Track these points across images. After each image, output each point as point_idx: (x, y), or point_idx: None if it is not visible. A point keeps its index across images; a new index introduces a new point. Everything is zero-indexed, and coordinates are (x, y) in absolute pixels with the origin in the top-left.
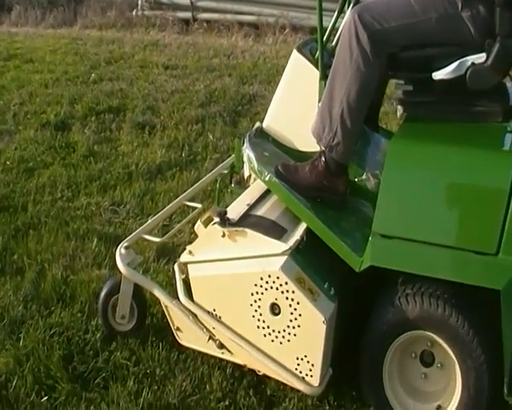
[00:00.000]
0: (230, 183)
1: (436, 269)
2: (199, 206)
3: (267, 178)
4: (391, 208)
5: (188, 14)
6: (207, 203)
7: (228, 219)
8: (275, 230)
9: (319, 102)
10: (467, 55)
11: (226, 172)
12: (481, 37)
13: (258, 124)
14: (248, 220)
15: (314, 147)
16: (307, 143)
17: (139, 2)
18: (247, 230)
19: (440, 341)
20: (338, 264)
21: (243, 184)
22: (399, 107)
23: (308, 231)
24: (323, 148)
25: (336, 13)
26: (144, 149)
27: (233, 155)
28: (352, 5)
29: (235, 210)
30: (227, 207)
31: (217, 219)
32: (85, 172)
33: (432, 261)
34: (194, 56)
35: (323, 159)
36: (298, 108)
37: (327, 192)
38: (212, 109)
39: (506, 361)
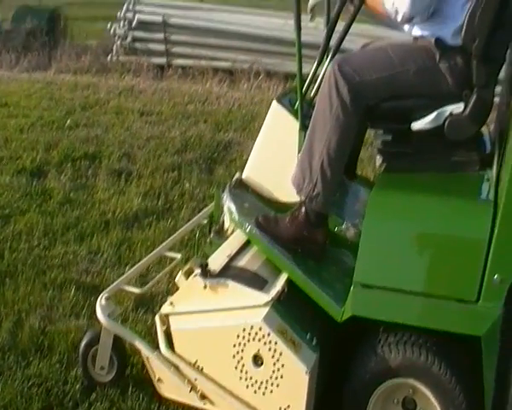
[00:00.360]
0: (209, 233)
1: (418, 318)
2: (178, 256)
3: (248, 230)
4: (372, 259)
5: (162, 60)
6: (186, 253)
7: (209, 270)
8: (256, 281)
9: (299, 152)
10: (445, 106)
11: (205, 221)
12: (459, 88)
13: (237, 175)
14: (229, 272)
15: (294, 198)
16: (287, 193)
17: (114, 48)
18: (228, 281)
19: (423, 388)
20: (319, 314)
21: (222, 235)
22: (378, 157)
23: (289, 282)
24: (303, 198)
25: (316, 64)
26: (121, 197)
27: (211, 205)
28: (330, 56)
29: (216, 261)
30: (207, 258)
31: (198, 271)
32: (62, 220)
33: (413, 310)
34: (170, 102)
35: (304, 210)
36: (277, 158)
37: (307, 243)
38: (188, 157)
39: (487, 407)
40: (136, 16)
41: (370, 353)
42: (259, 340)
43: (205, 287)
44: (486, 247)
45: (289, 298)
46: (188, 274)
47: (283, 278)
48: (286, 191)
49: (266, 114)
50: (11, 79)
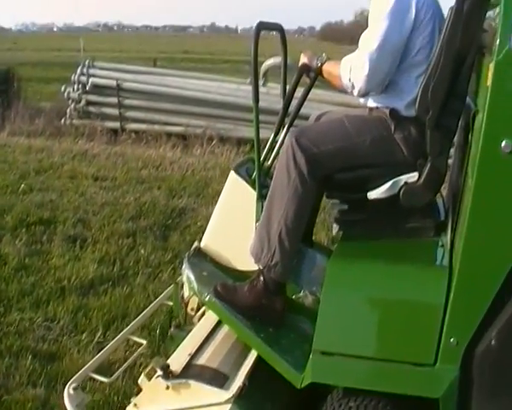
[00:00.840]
0: (170, 327)
1: (377, 382)
2: (143, 342)
3: (207, 299)
4: (331, 326)
5: (116, 124)
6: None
7: (171, 371)
8: (217, 378)
9: (257, 222)
10: (400, 175)
11: (169, 303)
12: (413, 157)
13: (196, 243)
14: (191, 371)
15: (252, 266)
16: (245, 262)
17: (68, 111)
18: (190, 381)
19: None
20: (280, 403)
21: (183, 328)
22: (335, 225)
23: (250, 376)
24: (262, 268)
25: (273, 135)
26: (76, 263)
27: (171, 286)
28: (287, 127)
29: (177, 361)
30: (169, 352)
31: (160, 373)
32: (17, 286)
33: (372, 375)
34: (124, 167)
35: (262, 278)
36: (235, 228)
37: (266, 311)
38: (143, 223)
39: None
40: (90, 80)
41: None
42: None
43: (167, 388)
44: (442, 311)
45: (250, 392)
46: (150, 375)
47: (244, 371)
48: (244, 260)
49: (220, 179)
50: None
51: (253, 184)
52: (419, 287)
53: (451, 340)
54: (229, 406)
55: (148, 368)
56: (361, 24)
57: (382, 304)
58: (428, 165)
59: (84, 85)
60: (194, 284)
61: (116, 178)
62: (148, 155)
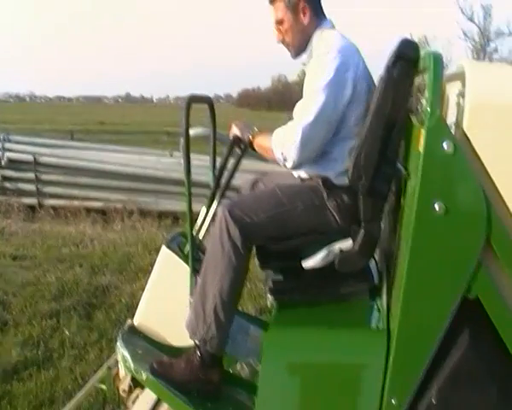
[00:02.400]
0: None
1: None
2: None
3: (143, 377)
4: (271, 396)
5: (34, 201)
6: None
7: None
8: None
9: (190, 296)
10: (333, 241)
11: (101, 386)
12: (346, 223)
13: (129, 321)
14: None
15: (187, 341)
16: (180, 338)
17: None
18: None
19: None
20: None
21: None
22: (269, 295)
23: None
24: (198, 342)
25: (205, 208)
26: None
27: (104, 366)
28: (218, 199)
29: None
30: None
31: None
32: None
33: None
34: (43, 245)
35: (198, 353)
36: (169, 303)
37: (203, 385)
38: (66, 303)
39: None
40: (6, 154)
41: None
42: None
43: None
44: (383, 373)
45: None
46: None
47: None
48: (179, 335)
49: (142, 254)
50: None
51: (185, 259)
52: (358, 350)
53: (392, 401)
54: None
55: None
56: (279, 89)
57: (322, 370)
58: (362, 231)
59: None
60: (130, 363)
61: (36, 256)
62: (67, 231)
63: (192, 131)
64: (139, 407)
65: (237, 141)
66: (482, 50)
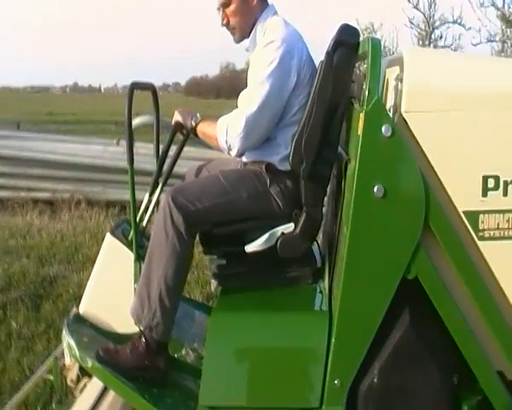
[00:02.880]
0: (51, 402)
1: None
2: None
3: (89, 364)
4: (216, 380)
5: None
6: None
7: None
8: None
9: (135, 283)
10: (276, 226)
11: (50, 376)
12: (289, 208)
13: (74, 309)
14: None
15: (133, 328)
16: (126, 325)
17: None
18: None
19: None
20: None
21: (65, 402)
22: (213, 280)
23: None
24: (143, 328)
25: (148, 195)
26: None
27: (51, 357)
28: (161, 186)
29: None
30: None
31: None
32: None
33: None
34: None
35: (143, 339)
36: (114, 290)
37: (149, 371)
38: (13, 294)
39: None
40: None
41: None
42: None
43: None
44: (325, 355)
45: None
46: None
47: None
48: (125, 322)
49: (89, 244)
50: None
51: (129, 245)
52: (301, 333)
53: (335, 382)
54: None
55: None
56: (227, 76)
57: (265, 353)
58: (303, 215)
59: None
60: (76, 351)
61: None
62: (14, 223)
63: (137, 120)
64: (86, 396)
65: (179, 127)
66: (427, 37)
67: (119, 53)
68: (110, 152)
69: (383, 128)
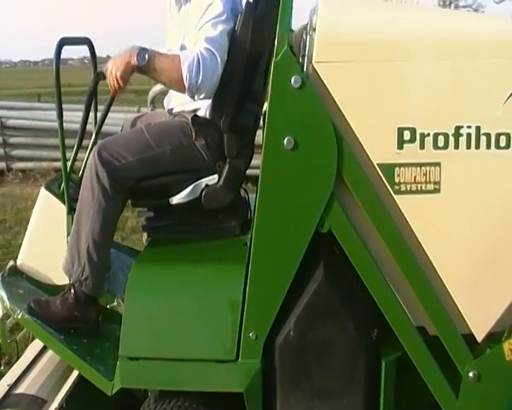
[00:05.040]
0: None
1: (183, 382)
2: None
3: (19, 316)
4: (135, 330)
5: (2, 165)
6: None
7: None
8: (35, 403)
9: (68, 236)
10: (202, 178)
11: None
12: (214, 160)
13: (11, 262)
14: (9, 400)
15: (67, 281)
16: (61, 277)
17: None
18: None
19: None
20: None
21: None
22: (144, 233)
23: (69, 397)
24: (73, 282)
25: (76, 147)
26: None
27: None
28: (92, 139)
29: None
30: None
31: None
32: None
33: (179, 376)
34: (13, 209)
35: (73, 291)
36: (49, 243)
37: (79, 323)
38: None
39: None
40: None
41: None
42: None
43: None
44: (240, 306)
45: None
46: None
47: (61, 394)
48: (60, 275)
49: None
50: None
51: (62, 199)
52: (218, 284)
53: (250, 334)
54: None
55: None
56: None
57: (183, 304)
58: (227, 166)
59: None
60: (7, 303)
61: (6, 220)
62: (36, 194)
63: (156, 87)
64: (25, 357)
65: (102, 77)
66: None
67: (136, 22)
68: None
69: (292, 79)
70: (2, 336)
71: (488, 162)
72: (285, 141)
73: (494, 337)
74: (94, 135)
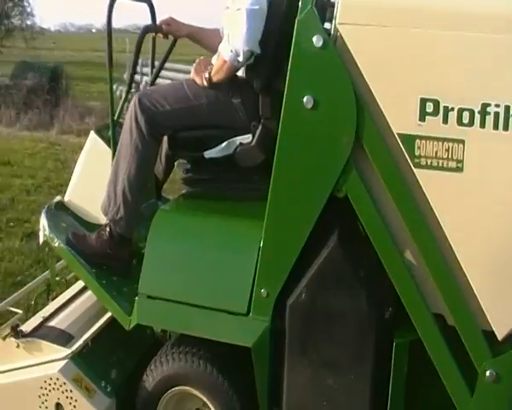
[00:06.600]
0: (48, 299)
1: (195, 328)
2: (19, 312)
3: (56, 245)
4: (155, 271)
5: None
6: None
7: (21, 331)
8: (62, 338)
9: None
10: (235, 137)
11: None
12: (249, 120)
13: (58, 197)
14: (39, 331)
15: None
16: (103, 216)
17: (119, 110)
18: (37, 340)
19: (202, 396)
20: (125, 371)
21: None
22: (183, 185)
23: (96, 339)
24: (108, 221)
25: (125, 94)
26: None
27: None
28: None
29: (31, 323)
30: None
31: (11, 332)
32: None
33: (191, 321)
34: None
35: (108, 229)
36: (94, 184)
37: (112, 260)
38: None
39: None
40: (144, 78)
41: (157, 363)
42: (58, 389)
43: (17, 346)
44: (255, 262)
45: (93, 351)
46: (4, 336)
47: (90, 333)
48: (102, 215)
49: None
50: (11, 136)
51: (109, 143)
52: (237, 239)
53: (262, 291)
54: (64, 362)
55: (5, 330)
56: None
57: (201, 252)
58: (260, 127)
59: (138, 85)
60: (47, 231)
61: None
62: None
63: None
64: (65, 294)
65: (150, 29)
66: None
67: None
68: None
69: (314, 38)
70: (52, 273)
71: None
72: (305, 99)
73: None
74: (149, 83)
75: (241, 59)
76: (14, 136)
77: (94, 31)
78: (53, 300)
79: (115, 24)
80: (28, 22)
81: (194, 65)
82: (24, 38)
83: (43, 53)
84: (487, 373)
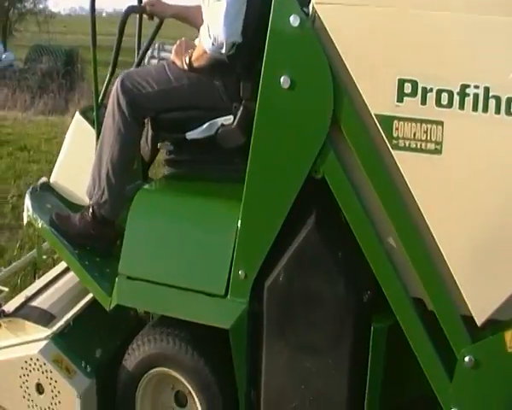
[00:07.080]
0: (34, 277)
1: (174, 309)
2: (5, 289)
3: (40, 225)
4: (135, 251)
5: None
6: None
7: (3, 311)
8: (44, 318)
9: None
10: (218, 118)
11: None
12: (231, 101)
13: (44, 179)
14: (22, 311)
15: None
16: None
17: None
18: (18, 319)
19: (181, 378)
20: (108, 351)
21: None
22: (164, 164)
23: (77, 319)
24: (92, 204)
25: (108, 75)
26: None
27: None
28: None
29: (13, 303)
30: None
31: None
32: None
33: (170, 302)
34: None
35: (91, 210)
36: (79, 165)
37: (94, 241)
38: None
39: (240, 396)
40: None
41: (137, 344)
42: (38, 370)
43: (0, 326)
44: (233, 244)
45: (74, 331)
46: None
47: (71, 313)
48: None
49: None
50: (27, 120)
51: (93, 124)
52: (214, 220)
53: (240, 272)
54: (45, 342)
55: None
56: None
57: (180, 233)
58: (241, 108)
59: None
60: (31, 212)
61: None
62: None
63: None
64: (49, 274)
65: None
66: None
67: None
68: None
69: (291, 18)
70: (38, 252)
71: (496, 128)
72: (282, 79)
73: (496, 325)
74: (135, 65)
75: (223, 51)
76: (29, 120)
77: (104, 15)
78: (39, 279)
79: (122, 7)
80: (41, 6)
81: (175, 46)
82: (37, 22)
83: (56, 37)
84: (466, 359)
